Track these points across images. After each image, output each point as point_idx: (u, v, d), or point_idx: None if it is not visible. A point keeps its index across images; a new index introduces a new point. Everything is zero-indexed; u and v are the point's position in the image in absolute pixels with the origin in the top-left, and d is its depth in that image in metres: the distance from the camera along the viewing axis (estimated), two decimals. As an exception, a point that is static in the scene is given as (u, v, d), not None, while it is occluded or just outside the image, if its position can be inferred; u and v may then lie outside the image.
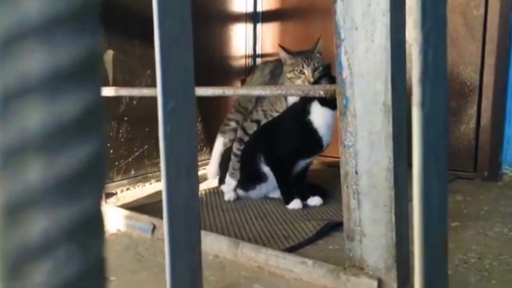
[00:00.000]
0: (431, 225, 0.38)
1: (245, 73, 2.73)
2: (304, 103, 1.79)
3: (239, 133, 1.97)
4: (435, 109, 0.34)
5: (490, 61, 2.20)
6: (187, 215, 0.56)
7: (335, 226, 1.56)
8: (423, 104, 0.34)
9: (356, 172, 1.04)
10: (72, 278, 0.15)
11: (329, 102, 1.72)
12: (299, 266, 1.19)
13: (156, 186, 2.28)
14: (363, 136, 1.01)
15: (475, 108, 2.28)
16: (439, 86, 0.34)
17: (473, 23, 2.21)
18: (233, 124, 2.16)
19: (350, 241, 1.10)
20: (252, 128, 1.95)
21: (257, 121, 1.95)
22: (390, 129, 0.96)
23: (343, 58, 0.98)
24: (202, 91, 1.21)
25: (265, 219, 1.68)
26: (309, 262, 1.17)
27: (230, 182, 1.94)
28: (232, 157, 1.94)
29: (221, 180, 2.05)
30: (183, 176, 0.54)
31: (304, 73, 1.79)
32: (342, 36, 0.98)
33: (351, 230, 1.09)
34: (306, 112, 1.78)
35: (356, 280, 1.09)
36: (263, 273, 1.23)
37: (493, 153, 2.27)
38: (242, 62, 2.83)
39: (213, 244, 1.35)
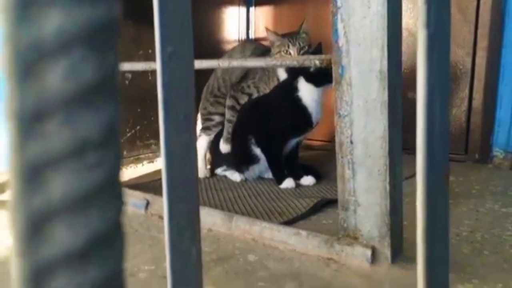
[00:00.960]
0: (432, 159, 0.38)
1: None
2: (292, 80, 1.79)
3: (230, 102, 1.96)
4: (439, 31, 0.34)
5: (482, 44, 2.21)
6: (185, 164, 0.55)
7: (328, 203, 1.56)
8: (428, 25, 0.33)
9: (351, 142, 1.04)
10: (88, 83, 0.15)
11: (313, 78, 1.73)
12: (293, 237, 1.19)
13: (149, 167, 2.28)
14: (358, 105, 1.01)
15: (467, 91, 2.30)
16: (443, 7, 0.34)
17: (466, 6, 2.22)
18: (217, 118, 2.05)
19: (345, 211, 1.11)
20: (243, 99, 1.95)
21: (249, 95, 1.95)
22: (386, 96, 0.96)
23: (339, 26, 0.97)
24: (197, 64, 1.20)
25: (259, 197, 1.68)
26: (303, 233, 1.18)
27: (225, 148, 1.94)
28: (226, 123, 1.94)
29: (215, 165, 2.04)
30: (181, 125, 0.54)
31: (290, 53, 1.80)
32: (339, 3, 0.98)
33: (345, 200, 1.10)
34: (294, 89, 1.78)
35: (350, 250, 1.09)
36: (257, 245, 1.23)
37: (484, 135, 2.29)
38: (233, 57, 2.82)
39: (206, 218, 1.34)
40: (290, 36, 1.86)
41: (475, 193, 1.73)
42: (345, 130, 1.04)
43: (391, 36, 0.92)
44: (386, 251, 1.06)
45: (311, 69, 1.72)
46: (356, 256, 1.09)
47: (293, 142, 1.87)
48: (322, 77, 1.71)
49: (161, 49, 0.50)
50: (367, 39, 0.94)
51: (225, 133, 1.94)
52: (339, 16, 0.97)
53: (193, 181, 0.55)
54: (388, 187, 1.02)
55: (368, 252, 1.07)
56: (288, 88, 1.80)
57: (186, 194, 0.54)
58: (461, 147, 2.34)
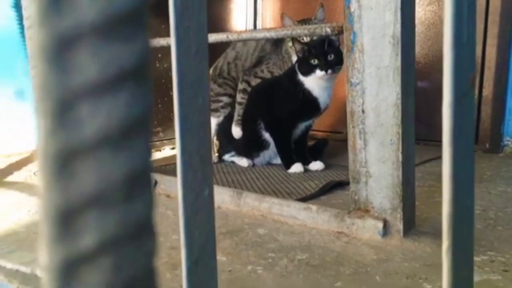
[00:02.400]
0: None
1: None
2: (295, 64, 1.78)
3: (242, 85, 1.94)
4: None
5: (493, 31, 2.19)
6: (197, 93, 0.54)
7: (337, 185, 1.55)
8: None
9: (363, 111, 1.03)
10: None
11: (300, 66, 1.72)
12: (303, 212, 1.17)
13: (156, 155, 2.27)
14: (370, 72, 0.99)
15: (477, 79, 2.27)
16: None
17: (477, -7, 2.19)
18: (225, 99, 2.03)
19: (356, 183, 1.09)
20: (256, 82, 1.93)
21: (262, 79, 1.93)
22: (399, 62, 0.95)
23: (352, -9, 0.96)
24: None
25: (267, 179, 1.66)
26: (313, 207, 1.16)
27: (236, 131, 1.91)
28: (237, 106, 1.92)
29: (223, 151, 2.02)
30: (192, 57, 0.52)
31: (303, 39, 1.79)
32: (351, -32, 0.96)
33: (356, 172, 1.08)
34: (296, 72, 1.76)
35: (361, 223, 1.08)
36: (266, 220, 1.22)
37: (495, 124, 2.26)
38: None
39: (215, 196, 1.32)
40: (304, 23, 1.85)
41: (487, 178, 1.71)
42: (357, 99, 1.03)
43: (404, -1, 0.91)
44: (398, 224, 1.04)
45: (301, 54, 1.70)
46: (367, 229, 1.07)
47: (302, 126, 1.85)
48: (307, 66, 1.69)
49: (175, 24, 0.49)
50: (380, 2, 0.93)
51: (235, 116, 1.92)
52: (351, -19, 0.96)
53: (205, 119, 0.53)
54: (400, 156, 1.00)
55: (380, 225, 1.05)
56: (292, 72, 1.78)
57: (198, 132, 0.53)
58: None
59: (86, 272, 0.12)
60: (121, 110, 0.13)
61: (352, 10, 0.97)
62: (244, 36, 1.14)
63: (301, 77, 1.74)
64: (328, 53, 1.68)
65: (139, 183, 0.13)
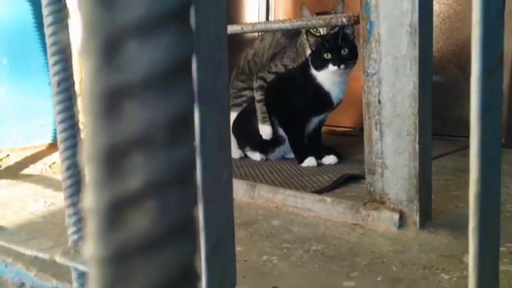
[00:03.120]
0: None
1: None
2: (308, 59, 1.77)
3: (258, 83, 1.92)
4: None
5: (510, 25, 2.15)
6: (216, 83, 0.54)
7: (351, 179, 1.54)
8: None
9: (379, 101, 1.02)
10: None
11: (313, 60, 1.71)
12: (317, 204, 1.17)
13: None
14: (387, 62, 0.98)
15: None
16: None
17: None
18: (248, 93, 2.03)
19: (371, 175, 1.08)
20: (270, 79, 1.92)
21: (276, 73, 1.92)
22: (417, 52, 0.94)
23: (368, -21, 0.95)
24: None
25: (281, 173, 1.66)
26: (328, 199, 1.16)
27: (265, 129, 1.85)
28: (257, 104, 1.89)
29: (242, 145, 1.99)
30: (211, 41, 0.52)
31: (319, 32, 1.78)
32: (367, -43, 0.96)
33: (372, 163, 1.07)
34: (308, 66, 1.75)
35: (377, 214, 1.07)
36: (280, 212, 1.21)
37: (510, 119, 2.23)
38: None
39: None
40: (321, 15, 1.83)
41: (503, 172, 1.67)
42: (373, 89, 1.02)
43: (422, -13, 0.90)
44: (414, 215, 1.04)
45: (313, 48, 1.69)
46: (383, 221, 1.06)
47: (315, 120, 1.84)
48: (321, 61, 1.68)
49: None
50: (398, -9, 0.92)
51: (259, 115, 1.88)
52: (368, -31, 0.95)
53: (225, 104, 0.53)
54: (417, 147, 0.99)
55: (396, 216, 1.04)
56: (304, 66, 1.77)
57: (218, 116, 0.53)
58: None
59: (131, 215, 0.12)
60: (166, 51, 0.13)
61: (368, -1, 0.97)
62: (258, 27, 1.13)
63: (313, 71, 1.73)
64: (342, 47, 1.65)
65: (183, 128, 0.13)
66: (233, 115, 2.02)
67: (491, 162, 0.36)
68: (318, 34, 1.75)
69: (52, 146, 1.82)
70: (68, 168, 0.73)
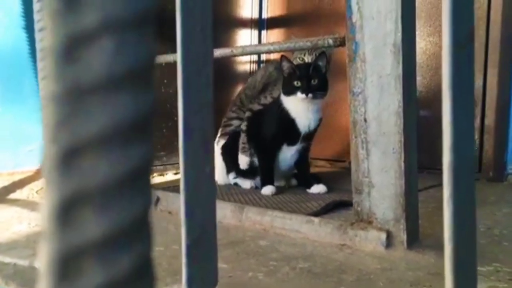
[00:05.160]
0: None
1: (250, 76, 2.76)
2: None
3: (247, 114, 1.95)
4: None
5: (493, 60, 2.22)
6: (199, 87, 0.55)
7: (340, 205, 1.53)
8: None
9: (365, 120, 1.03)
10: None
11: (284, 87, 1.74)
12: (305, 225, 1.16)
13: (159, 179, 2.26)
14: (372, 81, 1.00)
15: (479, 108, 2.29)
16: None
17: (476, 25, 2.24)
18: (235, 123, 2.07)
19: (358, 194, 1.08)
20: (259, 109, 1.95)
21: (264, 105, 1.95)
22: (400, 70, 0.96)
23: (353, 2, 0.99)
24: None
25: (270, 200, 1.65)
26: (316, 220, 1.15)
27: (242, 159, 1.90)
28: (242, 134, 1.92)
29: (227, 171, 2.01)
30: (196, 35, 0.53)
31: (304, 61, 1.82)
32: (352, -19, 0.99)
33: (359, 182, 1.07)
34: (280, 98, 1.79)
35: (364, 234, 1.06)
36: (268, 233, 1.20)
37: (498, 153, 2.26)
38: (247, 67, 2.86)
39: (216, 211, 1.32)
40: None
41: (491, 202, 1.69)
42: (359, 108, 1.03)
43: (405, 8, 0.93)
44: (401, 235, 1.03)
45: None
46: (371, 241, 1.05)
47: (291, 150, 1.83)
48: (291, 87, 1.70)
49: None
50: (381, 12, 0.95)
51: (240, 144, 1.91)
52: (353, -8, 0.99)
53: (208, 99, 0.54)
54: (403, 165, 1.00)
55: (383, 236, 1.04)
56: (277, 99, 1.81)
57: (201, 109, 0.53)
58: (475, 165, 2.31)
59: (88, 53, 0.13)
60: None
61: (354, 20, 1.00)
62: (248, 50, 1.16)
63: (282, 96, 1.76)
64: (312, 77, 1.68)
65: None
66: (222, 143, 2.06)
67: (465, 135, 0.36)
68: (293, 62, 1.77)
69: (40, 172, 1.81)
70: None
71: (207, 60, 0.53)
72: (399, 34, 0.95)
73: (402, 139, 0.99)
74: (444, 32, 0.35)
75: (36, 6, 1.05)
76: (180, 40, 0.52)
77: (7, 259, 0.74)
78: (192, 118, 0.53)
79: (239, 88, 2.65)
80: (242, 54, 1.16)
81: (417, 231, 1.06)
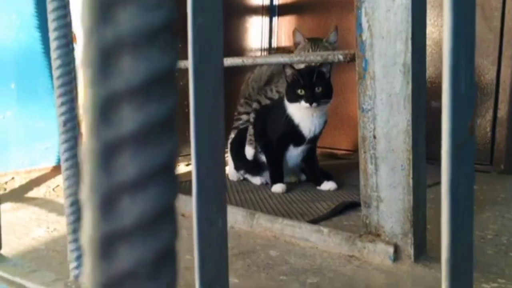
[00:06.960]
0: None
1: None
2: None
3: (254, 105, 1.98)
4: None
5: (508, 52, 2.19)
6: (212, 130, 0.56)
7: (349, 206, 1.55)
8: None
9: (374, 137, 1.04)
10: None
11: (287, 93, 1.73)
12: (314, 234, 1.19)
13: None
14: (381, 99, 1.01)
15: (492, 100, 2.27)
16: None
17: (491, 15, 2.21)
18: (244, 117, 2.10)
19: (367, 208, 1.10)
20: (266, 103, 1.97)
21: (271, 99, 1.96)
22: (410, 90, 0.97)
23: (363, 20, 0.98)
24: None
25: (280, 199, 1.68)
26: (325, 230, 1.18)
27: (248, 150, 1.93)
28: (249, 126, 1.95)
29: (235, 168, 2.04)
30: (209, 95, 0.55)
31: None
32: (363, -2, 0.99)
33: (367, 196, 1.09)
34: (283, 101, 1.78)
35: (372, 247, 1.09)
36: (278, 241, 1.23)
37: (510, 145, 2.25)
38: (257, 55, 2.86)
39: (228, 216, 1.34)
40: (314, 42, 1.87)
41: (500, 201, 1.70)
42: (368, 124, 1.04)
43: (415, 29, 0.93)
44: (409, 249, 1.05)
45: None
46: (378, 254, 1.08)
47: (297, 150, 1.85)
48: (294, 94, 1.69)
49: (192, 21, 0.52)
50: (391, 32, 0.95)
51: (248, 136, 1.95)
52: (363, 10, 0.98)
53: (219, 148, 0.56)
54: (411, 182, 1.01)
55: (391, 250, 1.06)
56: (282, 101, 1.81)
57: (214, 163, 0.55)
58: (486, 157, 2.31)
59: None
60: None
61: (364, 38, 1.00)
62: (259, 61, 1.17)
63: (286, 102, 1.75)
64: (316, 85, 1.65)
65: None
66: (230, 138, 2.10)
67: (465, 234, 0.38)
68: (294, 68, 1.76)
69: (56, 169, 1.85)
70: (70, 195, 0.76)
71: (219, 115, 0.55)
72: (409, 55, 0.95)
73: (411, 157, 1.00)
74: (444, 132, 0.36)
75: (49, 6, 1.06)
76: (192, 47, 0.53)
77: (30, 285, 0.78)
78: (205, 174, 0.55)
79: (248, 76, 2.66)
80: (253, 64, 1.17)
81: (424, 245, 1.09)
